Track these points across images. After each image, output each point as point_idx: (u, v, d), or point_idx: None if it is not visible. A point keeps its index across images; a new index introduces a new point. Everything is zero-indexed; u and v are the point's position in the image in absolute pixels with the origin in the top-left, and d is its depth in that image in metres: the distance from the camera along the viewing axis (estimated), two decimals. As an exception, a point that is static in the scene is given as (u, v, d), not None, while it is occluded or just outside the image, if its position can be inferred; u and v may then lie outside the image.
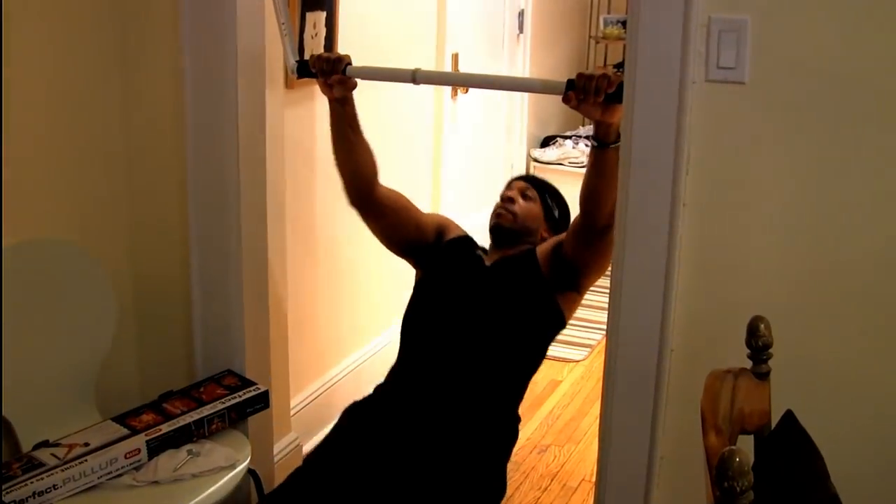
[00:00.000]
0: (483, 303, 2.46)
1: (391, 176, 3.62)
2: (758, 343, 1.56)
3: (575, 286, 2.49)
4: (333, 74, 2.35)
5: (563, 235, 2.50)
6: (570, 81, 2.13)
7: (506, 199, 2.64)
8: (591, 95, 2.10)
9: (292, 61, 2.43)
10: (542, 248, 2.53)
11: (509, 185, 2.73)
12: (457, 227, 2.74)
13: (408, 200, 2.68)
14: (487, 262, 2.58)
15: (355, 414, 2.44)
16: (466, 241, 2.68)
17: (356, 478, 2.22)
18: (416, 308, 2.56)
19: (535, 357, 2.52)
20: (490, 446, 2.37)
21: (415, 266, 2.71)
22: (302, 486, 2.27)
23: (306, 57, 2.60)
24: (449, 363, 2.39)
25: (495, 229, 2.63)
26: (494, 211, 2.65)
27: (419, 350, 2.47)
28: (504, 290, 2.48)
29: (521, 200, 2.64)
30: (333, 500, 2.20)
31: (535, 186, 2.72)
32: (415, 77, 2.32)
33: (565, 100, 2.16)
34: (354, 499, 2.19)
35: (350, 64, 2.34)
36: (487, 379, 2.39)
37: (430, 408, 2.33)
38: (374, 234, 2.68)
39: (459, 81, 2.28)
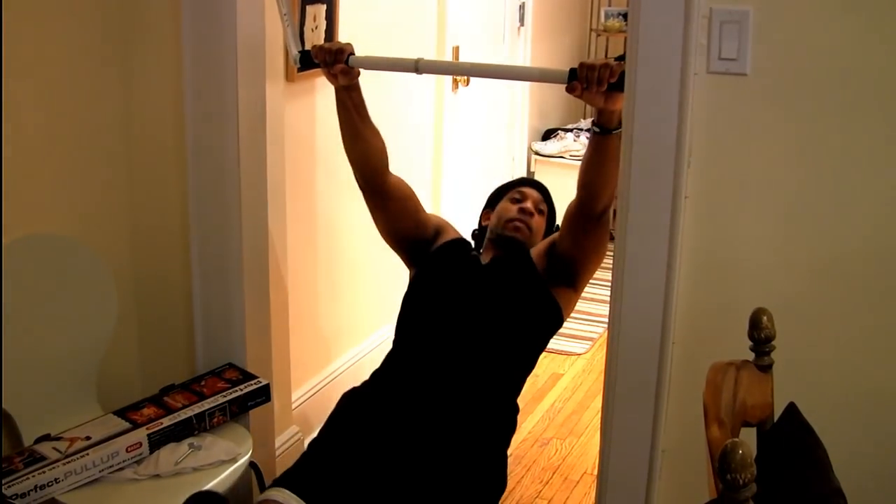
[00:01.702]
0: (480, 300, 2.47)
1: (393, 169, 3.62)
2: (760, 335, 1.56)
3: (571, 282, 2.51)
4: (336, 65, 2.35)
5: (555, 235, 2.53)
6: (572, 70, 2.13)
7: (524, 212, 2.64)
8: (594, 85, 2.12)
9: (294, 52, 2.43)
10: (537, 248, 2.57)
11: (523, 195, 2.70)
12: (454, 230, 2.75)
13: (413, 193, 2.67)
14: (483, 261, 2.60)
15: (353, 403, 2.42)
16: (461, 243, 2.69)
17: (358, 470, 2.21)
18: (413, 304, 2.56)
19: (533, 353, 2.53)
20: (489, 438, 2.37)
21: (408, 263, 2.72)
22: (305, 476, 2.23)
23: (307, 46, 2.59)
24: (447, 359, 2.38)
25: (510, 240, 2.61)
26: (510, 220, 2.62)
27: (417, 345, 2.46)
28: (501, 287, 2.49)
29: (537, 216, 2.66)
30: (336, 492, 2.18)
31: (545, 199, 2.73)
32: (417, 67, 2.31)
33: (569, 89, 2.17)
34: (357, 491, 2.18)
35: (352, 54, 2.34)
36: (486, 374, 2.39)
37: (429, 402, 2.32)
38: (376, 221, 2.68)
39: (461, 71, 2.27)
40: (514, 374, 2.48)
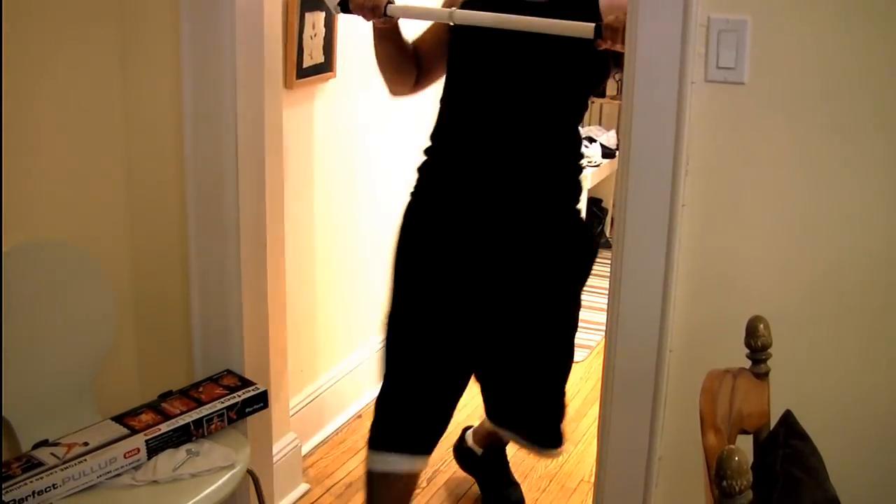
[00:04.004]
0: (540, 42, 2.31)
1: (392, 178, 3.62)
2: (757, 343, 1.57)
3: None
4: (374, 19, 2.37)
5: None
6: (597, 27, 2.13)
7: None
8: (618, 43, 2.10)
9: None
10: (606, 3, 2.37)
11: None
12: None
13: (425, 38, 2.61)
14: None
15: (430, 205, 2.50)
16: None
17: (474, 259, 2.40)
18: (456, 64, 2.47)
19: (584, 99, 2.47)
20: (568, 191, 2.47)
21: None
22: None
23: (306, 53, 2.59)
24: (515, 107, 2.35)
25: None
26: None
27: (475, 111, 2.43)
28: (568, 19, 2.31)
29: None
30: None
31: None
32: (452, 16, 2.37)
33: (595, 44, 2.16)
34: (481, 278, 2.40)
35: (392, 2, 2.36)
36: (552, 120, 2.38)
37: (508, 161, 2.36)
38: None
39: (495, 23, 2.29)
40: (575, 116, 2.46)
